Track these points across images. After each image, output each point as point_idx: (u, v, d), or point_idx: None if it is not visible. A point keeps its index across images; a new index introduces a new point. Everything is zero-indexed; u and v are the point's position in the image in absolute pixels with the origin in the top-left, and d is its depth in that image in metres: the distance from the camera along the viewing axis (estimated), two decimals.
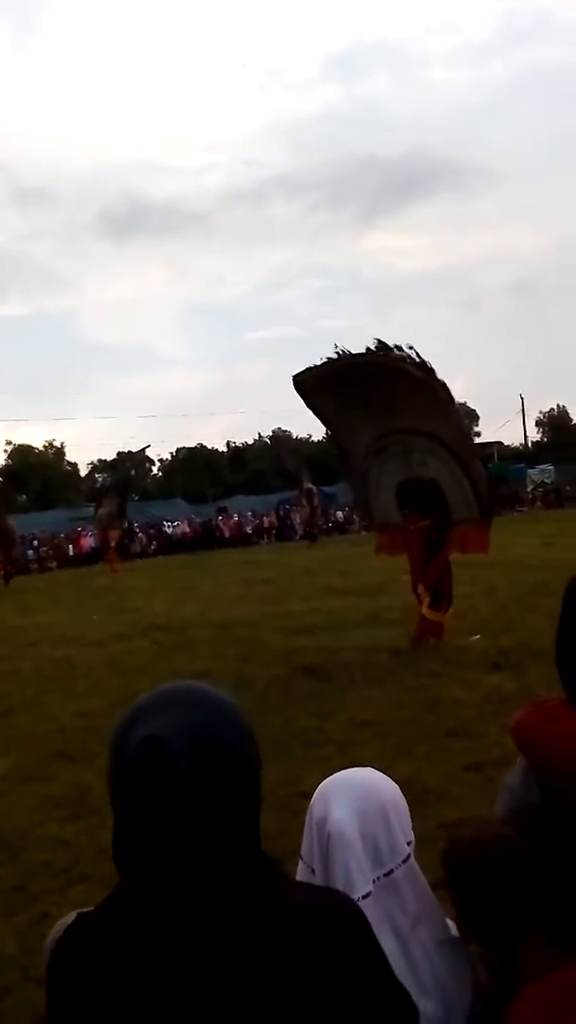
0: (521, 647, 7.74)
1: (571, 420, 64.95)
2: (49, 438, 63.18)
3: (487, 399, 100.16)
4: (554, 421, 65.37)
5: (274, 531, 37.17)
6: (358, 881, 1.43)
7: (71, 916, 1.13)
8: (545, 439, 63.07)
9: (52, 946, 1.11)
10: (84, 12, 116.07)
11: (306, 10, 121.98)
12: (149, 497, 54.20)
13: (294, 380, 8.71)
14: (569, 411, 65.39)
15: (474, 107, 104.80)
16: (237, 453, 66.69)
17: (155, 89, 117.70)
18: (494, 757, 4.66)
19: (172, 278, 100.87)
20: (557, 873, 1.58)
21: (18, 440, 61.59)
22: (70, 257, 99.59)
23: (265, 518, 38.23)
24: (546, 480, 43.40)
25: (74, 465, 65.17)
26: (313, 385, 8.67)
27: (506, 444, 56.17)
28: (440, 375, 8.18)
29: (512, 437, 59.86)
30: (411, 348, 8.02)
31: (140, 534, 35.33)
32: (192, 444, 65.59)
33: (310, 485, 29.86)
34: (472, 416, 57.57)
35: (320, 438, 54.05)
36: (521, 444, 56.31)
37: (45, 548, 32.93)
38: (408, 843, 1.50)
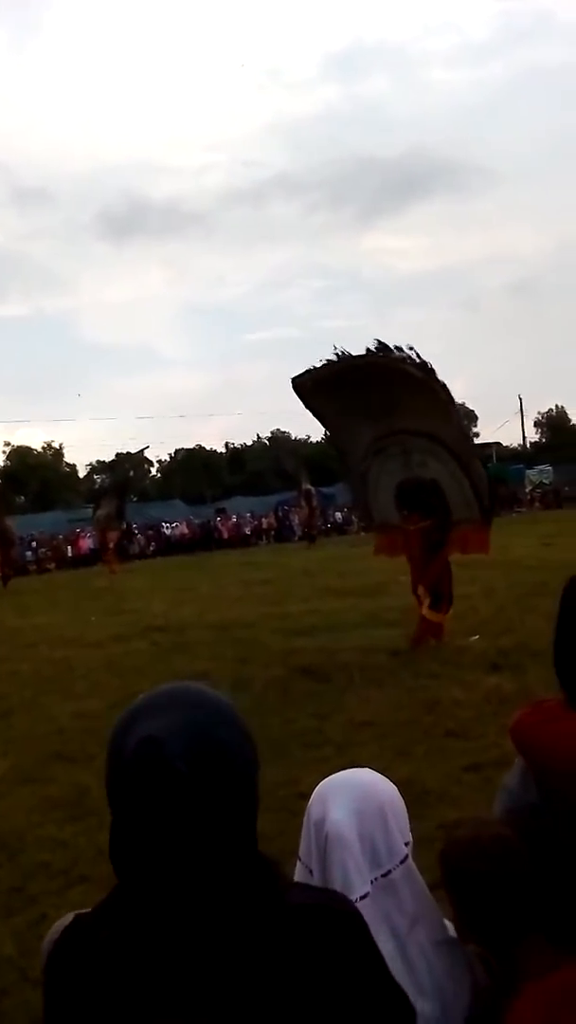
0: (520, 648, 7.74)
1: (570, 421, 65.01)
2: (48, 439, 63.25)
3: (486, 400, 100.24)
4: (553, 422, 65.42)
5: (273, 532, 37.19)
6: (356, 882, 1.43)
7: (68, 917, 1.12)
8: (544, 440, 63.11)
9: (49, 947, 1.11)
10: (84, 12, 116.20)
11: (305, 10, 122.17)
12: (148, 498, 54.20)
13: (293, 382, 8.71)
14: (568, 412, 65.54)
15: (473, 107, 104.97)
16: (236, 454, 66.68)
17: (155, 89, 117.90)
18: (493, 758, 4.66)
19: (171, 278, 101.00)
20: (555, 873, 1.58)
21: (17, 441, 61.65)
22: (69, 257, 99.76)
23: (264, 519, 38.24)
24: (544, 481, 43.43)
25: (73, 466, 65.23)
26: (312, 387, 8.66)
27: (505, 445, 56.22)
28: (440, 375, 8.19)
29: (511, 438, 59.90)
30: (411, 348, 8.03)
31: (139, 535, 35.33)
32: (191, 445, 65.63)
33: (309, 486, 29.87)
34: (471, 417, 57.61)
35: (319, 439, 54.09)
36: (520, 445, 56.38)
37: (44, 549, 32.93)
38: (406, 844, 1.50)
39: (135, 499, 47.91)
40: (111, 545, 26.36)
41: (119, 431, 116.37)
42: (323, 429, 10.59)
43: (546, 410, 66.12)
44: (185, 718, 1.01)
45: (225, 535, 36.26)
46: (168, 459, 66.56)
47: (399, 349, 8.05)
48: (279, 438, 64.90)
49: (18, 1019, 2.99)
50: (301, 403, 8.98)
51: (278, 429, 65.97)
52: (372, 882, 1.46)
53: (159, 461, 67.19)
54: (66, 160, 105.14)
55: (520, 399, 55.90)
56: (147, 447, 60.28)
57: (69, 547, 33.48)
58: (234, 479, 60.16)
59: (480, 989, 1.51)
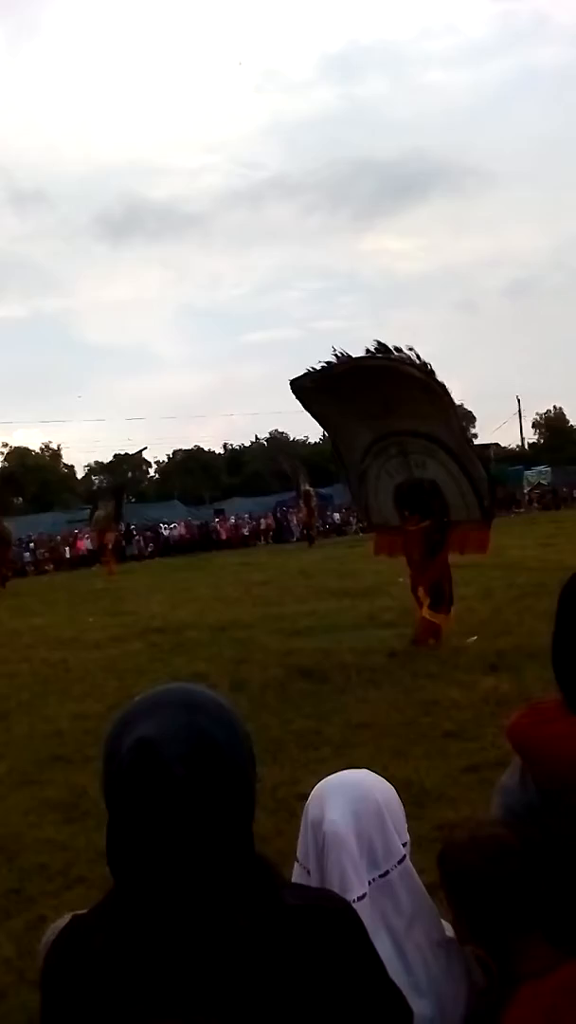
0: (518, 649, 7.75)
1: (567, 422, 65.11)
2: (46, 440, 63.25)
3: (484, 401, 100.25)
4: (551, 423, 65.46)
5: (271, 533, 37.16)
6: (353, 882, 1.43)
7: (65, 919, 1.12)
8: (542, 441, 63.15)
9: (46, 949, 1.11)
10: (81, 14, 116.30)
11: (303, 11, 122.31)
12: (146, 499, 54.18)
13: (291, 384, 8.71)
14: (566, 413, 65.62)
15: (471, 109, 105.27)
16: (234, 455, 66.70)
17: (152, 91, 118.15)
18: (491, 758, 4.67)
19: (169, 280, 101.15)
20: (553, 873, 1.58)
21: (15, 442, 61.65)
22: (67, 259, 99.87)
23: (262, 520, 38.22)
24: (543, 482, 43.44)
25: (71, 467, 65.26)
26: (311, 389, 8.66)
27: (503, 446, 56.26)
28: (439, 376, 8.19)
29: (509, 439, 60.04)
30: (411, 349, 8.03)
31: (137, 536, 35.30)
32: (189, 446, 65.69)
33: (307, 487, 29.89)
34: (469, 418, 57.64)
35: (317, 440, 54.22)
36: (518, 446, 56.45)
37: (42, 550, 32.88)
38: (403, 844, 1.51)
39: (133, 500, 47.89)
40: (109, 546, 26.34)
41: (117, 432, 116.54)
42: (322, 430, 10.58)
43: (544, 411, 66.24)
44: (181, 720, 1.01)
45: (223, 536, 36.23)
46: (166, 460, 66.67)
47: (399, 350, 8.05)
48: (277, 439, 64.92)
49: (16, 1021, 2.99)
50: (300, 405, 8.98)
51: (276, 430, 66.07)
52: (370, 883, 1.46)
53: (157, 462, 67.30)
54: (63, 162, 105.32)
55: (518, 400, 56.15)
56: (145, 448, 60.49)
57: (67, 548, 33.42)
58: (232, 480, 60.15)
59: (478, 989, 1.51)
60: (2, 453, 60.44)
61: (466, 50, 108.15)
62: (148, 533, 36.12)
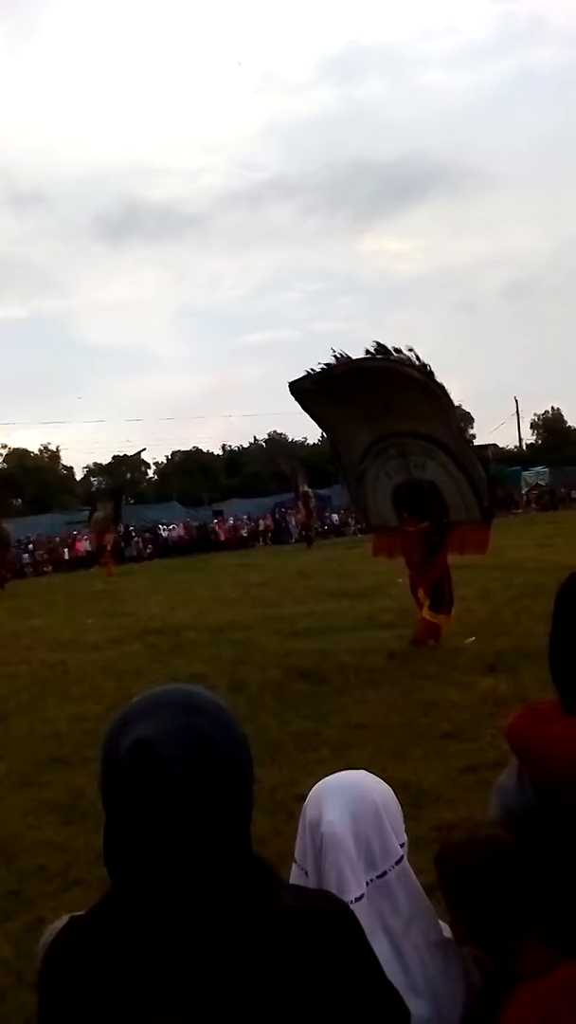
0: (516, 649, 7.75)
1: (565, 423, 65.16)
2: (45, 441, 63.23)
3: (482, 402, 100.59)
4: (549, 424, 65.49)
5: (270, 534, 37.16)
6: (351, 883, 1.44)
7: (63, 920, 1.12)
8: (540, 442, 63.18)
9: (44, 950, 1.11)
10: (80, 15, 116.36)
11: (301, 13, 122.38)
12: (145, 500, 54.19)
13: (290, 386, 8.71)
14: (563, 414, 65.63)
15: (469, 110, 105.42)
16: (233, 456, 66.69)
17: (151, 92, 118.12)
18: (489, 759, 4.67)
19: (168, 281, 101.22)
20: (550, 873, 1.58)
21: (14, 444, 61.64)
22: (66, 260, 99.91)
23: (261, 521, 38.22)
24: (541, 482, 43.47)
25: (70, 469, 65.22)
26: (310, 391, 8.66)
27: (501, 446, 56.26)
28: (438, 377, 8.19)
29: (507, 440, 60.08)
30: (411, 350, 8.03)
31: (136, 538, 35.29)
32: (188, 447, 65.73)
33: (306, 488, 29.90)
34: (467, 419, 57.65)
35: (316, 441, 54.21)
36: (516, 447, 56.45)
37: (40, 552, 32.88)
38: (401, 845, 1.51)
39: (132, 501, 47.90)
40: (108, 547, 26.34)
41: (116, 433, 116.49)
42: (320, 431, 10.58)
43: (542, 412, 66.27)
44: (179, 721, 1.01)
45: (222, 537, 36.24)
46: (165, 461, 66.69)
47: (398, 351, 8.05)
48: (276, 440, 64.91)
49: (15, 1022, 2.98)
50: (299, 406, 8.98)
51: (275, 431, 66.10)
52: (367, 883, 1.46)
53: (156, 463, 67.33)
54: (62, 163, 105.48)
55: (516, 401, 56.18)
56: (144, 449, 60.46)
57: (66, 549, 33.41)
58: (231, 481, 60.16)
59: (475, 990, 1.51)
60: (1, 454, 60.48)
61: (465, 51, 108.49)
62: (147, 534, 36.13)
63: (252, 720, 5.99)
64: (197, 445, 67.16)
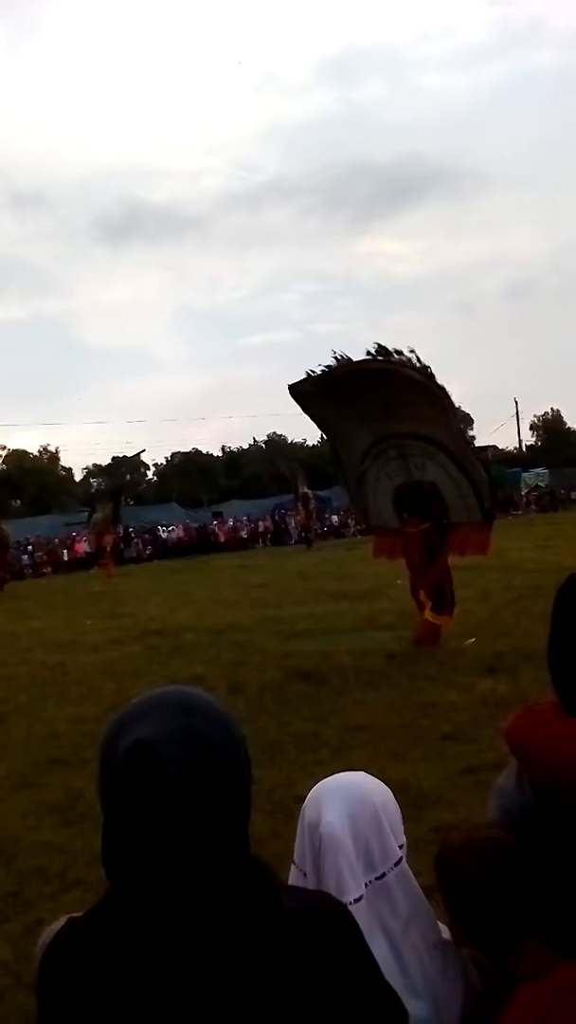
0: (515, 651, 7.75)
1: (565, 424, 65.20)
2: (44, 443, 63.25)
3: (481, 403, 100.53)
4: (548, 425, 65.53)
5: (269, 536, 37.15)
6: (350, 885, 1.43)
7: (61, 921, 1.12)
8: (539, 443, 63.20)
9: (42, 951, 1.11)
10: (80, 17, 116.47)
11: (301, 14, 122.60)
12: (144, 502, 54.18)
13: (290, 389, 8.71)
14: (563, 415, 65.67)
15: (468, 112, 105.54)
16: (232, 458, 66.70)
17: (150, 94, 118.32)
18: (489, 761, 4.66)
19: (168, 282, 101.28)
20: (549, 875, 1.58)
21: (13, 445, 61.65)
22: (66, 261, 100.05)
23: (260, 522, 38.22)
24: (540, 484, 43.50)
25: (69, 470, 65.23)
26: (310, 393, 8.67)
27: (500, 448, 56.28)
28: (438, 379, 8.19)
29: (506, 441, 60.07)
30: (412, 352, 8.04)
31: (135, 539, 35.29)
32: (187, 449, 65.72)
33: (306, 489, 29.91)
34: (467, 420, 57.67)
35: (315, 442, 54.19)
36: (515, 448, 56.48)
37: (40, 553, 32.89)
38: (400, 847, 1.51)
39: (131, 503, 47.92)
40: (107, 549, 26.33)
41: (116, 435, 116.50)
42: (320, 433, 10.58)
43: (542, 413, 66.30)
44: (177, 722, 1.01)
45: (221, 539, 36.23)
46: (164, 463, 66.70)
47: (399, 353, 8.05)
48: (275, 441, 64.93)
49: None
50: (299, 408, 8.99)
51: (274, 432, 66.12)
52: (366, 885, 1.46)
53: (155, 465, 67.36)
54: (62, 164, 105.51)
55: (516, 402, 56.21)
56: (143, 451, 60.49)
57: (65, 551, 33.41)
58: (230, 482, 60.16)
59: (474, 991, 1.51)
60: (0, 455, 60.48)
61: (463, 54, 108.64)
62: (146, 536, 36.13)
63: (251, 721, 5.99)
64: (196, 446, 67.27)
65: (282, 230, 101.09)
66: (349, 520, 34.62)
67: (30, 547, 32.94)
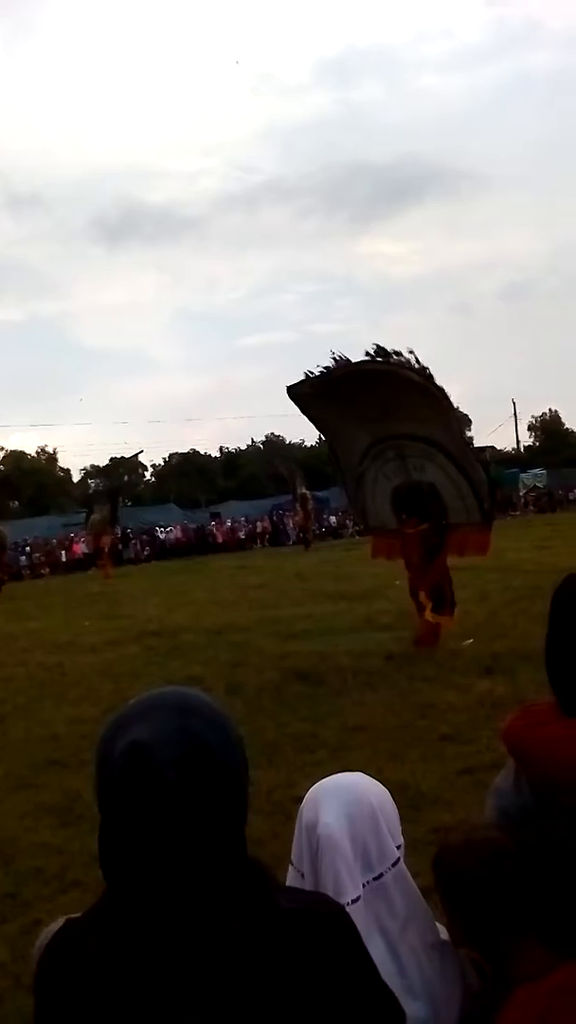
0: (513, 651, 7.74)
1: (563, 425, 65.26)
2: (42, 443, 63.22)
3: (479, 404, 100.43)
4: (546, 426, 65.57)
5: (267, 536, 37.15)
6: (348, 885, 1.43)
7: (58, 922, 1.12)
8: (537, 444, 63.23)
9: (39, 953, 1.11)
10: (77, 17, 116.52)
11: (299, 15, 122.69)
12: (142, 503, 54.11)
13: (289, 391, 8.71)
14: (561, 416, 65.72)
15: (465, 113, 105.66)
16: (230, 458, 66.68)
17: (148, 94, 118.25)
18: (487, 761, 4.66)
19: (165, 283, 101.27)
20: (547, 875, 1.58)
21: (11, 446, 61.61)
22: (64, 262, 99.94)
23: (258, 523, 38.21)
24: (538, 484, 43.52)
25: (67, 471, 65.18)
26: (308, 394, 8.67)
27: (498, 449, 56.28)
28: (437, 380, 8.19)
29: (504, 442, 60.03)
30: (411, 353, 8.04)
31: (133, 540, 35.26)
32: (185, 449, 65.71)
33: (304, 490, 29.90)
34: (465, 421, 57.65)
35: (313, 443, 54.20)
36: (513, 449, 56.50)
37: (38, 554, 32.85)
38: (397, 847, 1.51)
39: (129, 504, 47.89)
40: (105, 550, 26.30)
41: (113, 435, 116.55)
42: (318, 433, 10.59)
43: (540, 414, 66.33)
44: (173, 723, 1.01)
45: (219, 539, 36.21)
46: (162, 463, 66.65)
47: (398, 354, 8.05)
48: (273, 442, 64.94)
49: None
50: (297, 409, 8.98)
51: (272, 433, 66.11)
52: (364, 885, 1.46)
53: (153, 465, 67.33)
54: (59, 165, 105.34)
55: (514, 403, 56.20)
56: (141, 451, 60.49)
57: (63, 552, 33.38)
58: (228, 483, 60.14)
59: (472, 992, 1.51)
60: None
61: (461, 55, 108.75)
62: (144, 536, 36.10)
63: (249, 722, 5.99)
64: (194, 447, 67.26)
65: (280, 231, 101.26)
66: (347, 521, 34.62)
67: (28, 548, 32.90)
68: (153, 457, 66.15)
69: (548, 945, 1.51)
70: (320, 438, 12.10)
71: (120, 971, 0.99)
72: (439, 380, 8.12)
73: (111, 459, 60.97)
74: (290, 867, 1.53)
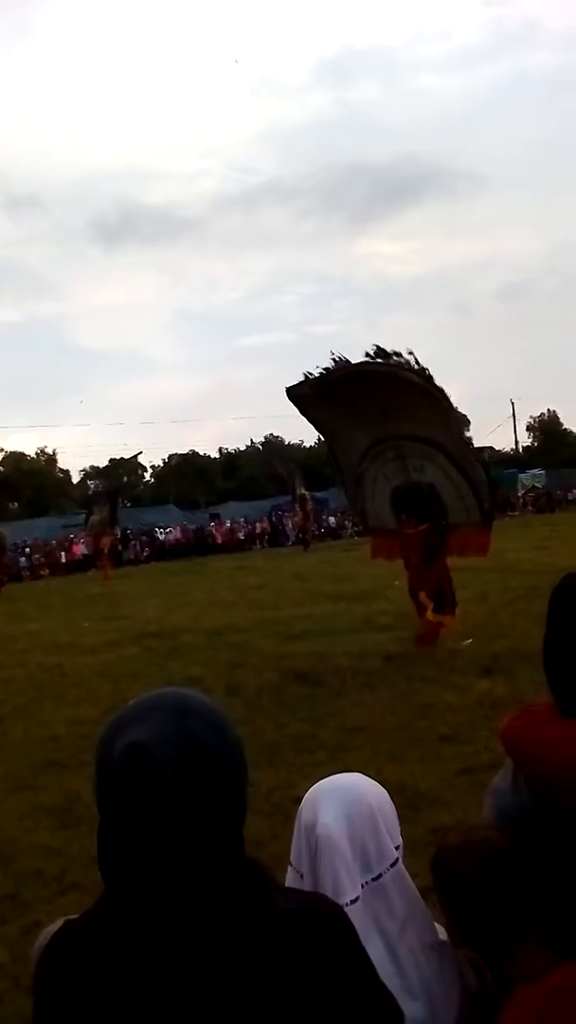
0: (512, 651, 7.75)
1: (561, 425, 65.31)
2: (41, 445, 63.23)
3: (478, 404, 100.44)
4: (544, 426, 65.61)
5: (266, 537, 37.14)
6: (346, 886, 1.43)
7: (57, 923, 1.12)
8: (536, 444, 63.26)
9: (38, 954, 1.11)
10: (76, 18, 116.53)
11: (297, 16, 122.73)
12: (141, 504, 54.11)
13: (288, 392, 8.71)
14: (559, 416, 65.75)
15: (463, 113, 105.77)
16: (229, 459, 66.71)
17: (147, 95, 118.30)
18: (486, 761, 4.66)
19: (164, 284, 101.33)
20: (546, 875, 1.58)
21: (10, 447, 61.62)
22: (62, 263, 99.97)
23: (258, 524, 38.20)
24: (537, 485, 43.53)
25: (66, 472, 65.20)
26: (307, 395, 8.67)
27: (497, 449, 56.29)
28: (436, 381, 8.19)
29: (503, 442, 60.11)
30: (411, 353, 8.04)
31: (133, 541, 35.25)
32: (184, 450, 65.76)
33: (303, 491, 29.89)
34: (463, 421, 57.63)
35: (313, 444, 54.18)
36: (512, 449, 56.50)
37: (37, 555, 32.84)
38: (396, 848, 1.51)
39: (129, 504, 47.89)
40: (105, 551, 26.28)
41: (112, 437, 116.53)
42: (317, 434, 10.58)
43: (538, 414, 66.36)
44: (172, 724, 1.01)
45: (219, 540, 36.20)
46: (162, 464, 66.69)
47: (397, 355, 8.05)
48: (273, 443, 64.95)
49: None
50: (296, 410, 8.98)
51: (272, 434, 66.15)
52: (363, 886, 1.46)
53: (152, 466, 67.37)
54: (58, 166, 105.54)
55: (512, 404, 56.11)
56: (140, 452, 60.49)
57: (63, 553, 33.36)
58: (228, 484, 60.16)
59: (471, 992, 1.51)
60: None
61: (458, 55, 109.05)
62: (144, 537, 36.08)
63: (248, 723, 5.99)
64: (194, 448, 67.35)
65: (279, 231, 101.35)
66: (347, 521, 34.63)
67: (28, 549, 32.89)
68: (152, 458, 66.29)
69: (547, 945, 1.51)
70: (319, 439, 12.10)
71: (119, 972, 0.99)
72: (438, 380, 8.13)
73: (110, 460, 61.03)
74: (289, 868, 1.53)
